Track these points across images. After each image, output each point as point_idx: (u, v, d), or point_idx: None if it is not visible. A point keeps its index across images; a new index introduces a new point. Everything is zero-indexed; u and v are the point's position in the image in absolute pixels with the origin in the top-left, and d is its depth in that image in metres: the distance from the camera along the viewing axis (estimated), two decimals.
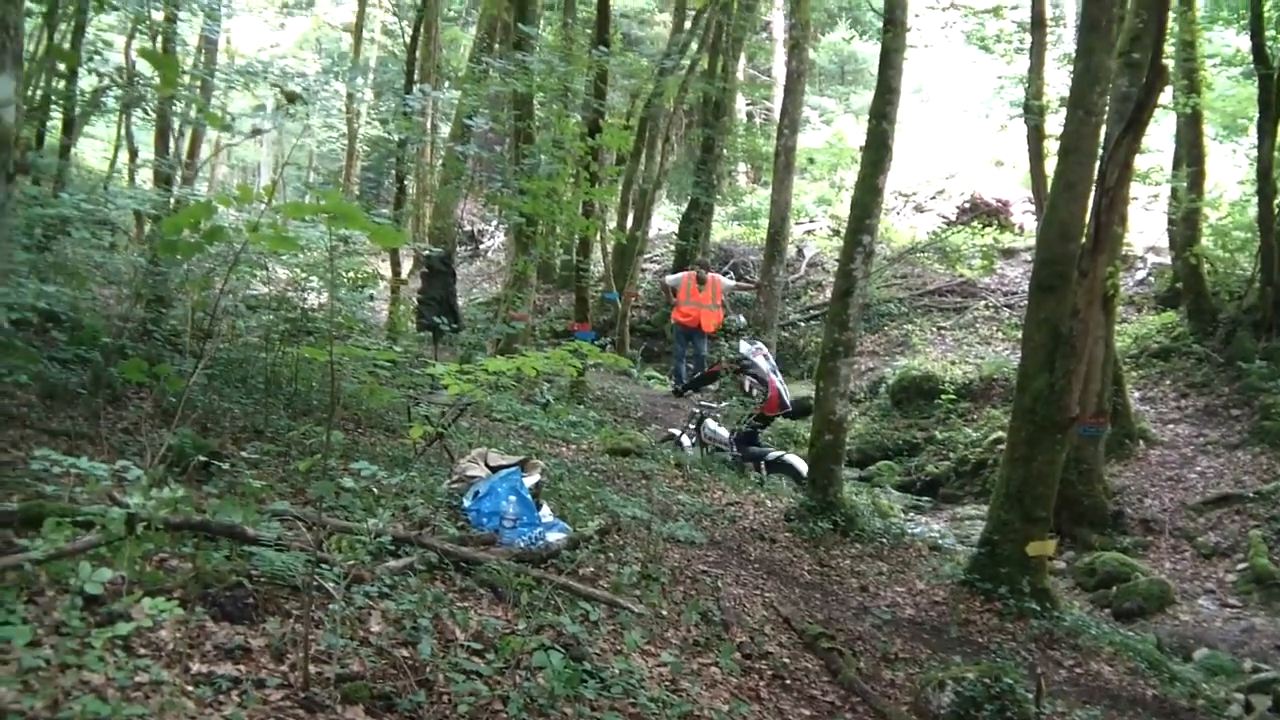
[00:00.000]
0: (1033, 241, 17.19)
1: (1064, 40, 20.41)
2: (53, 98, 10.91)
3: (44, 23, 10.30)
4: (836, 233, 24.94)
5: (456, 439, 9.15)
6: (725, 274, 20.07)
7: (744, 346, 13.04)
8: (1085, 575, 10.80)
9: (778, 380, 12.47)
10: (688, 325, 16.95)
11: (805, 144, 27.40)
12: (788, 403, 12.57)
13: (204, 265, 8.47)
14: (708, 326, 16.91)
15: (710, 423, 12.80)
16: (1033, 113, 14.08)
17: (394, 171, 16.72)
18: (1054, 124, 13.38)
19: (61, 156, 12.47)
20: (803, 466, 11.46)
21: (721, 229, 26.67)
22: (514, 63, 13.64)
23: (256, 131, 9.87)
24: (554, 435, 11.14)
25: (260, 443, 7.46)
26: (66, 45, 11.36)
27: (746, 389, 12.95)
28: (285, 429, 8.04)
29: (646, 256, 24.13)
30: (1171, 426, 14.37)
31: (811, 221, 27.27)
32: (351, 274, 11.06)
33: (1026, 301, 9.50)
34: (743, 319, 16.37)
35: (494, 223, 30.05)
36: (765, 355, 12.93)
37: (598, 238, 18.70)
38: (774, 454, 12.40)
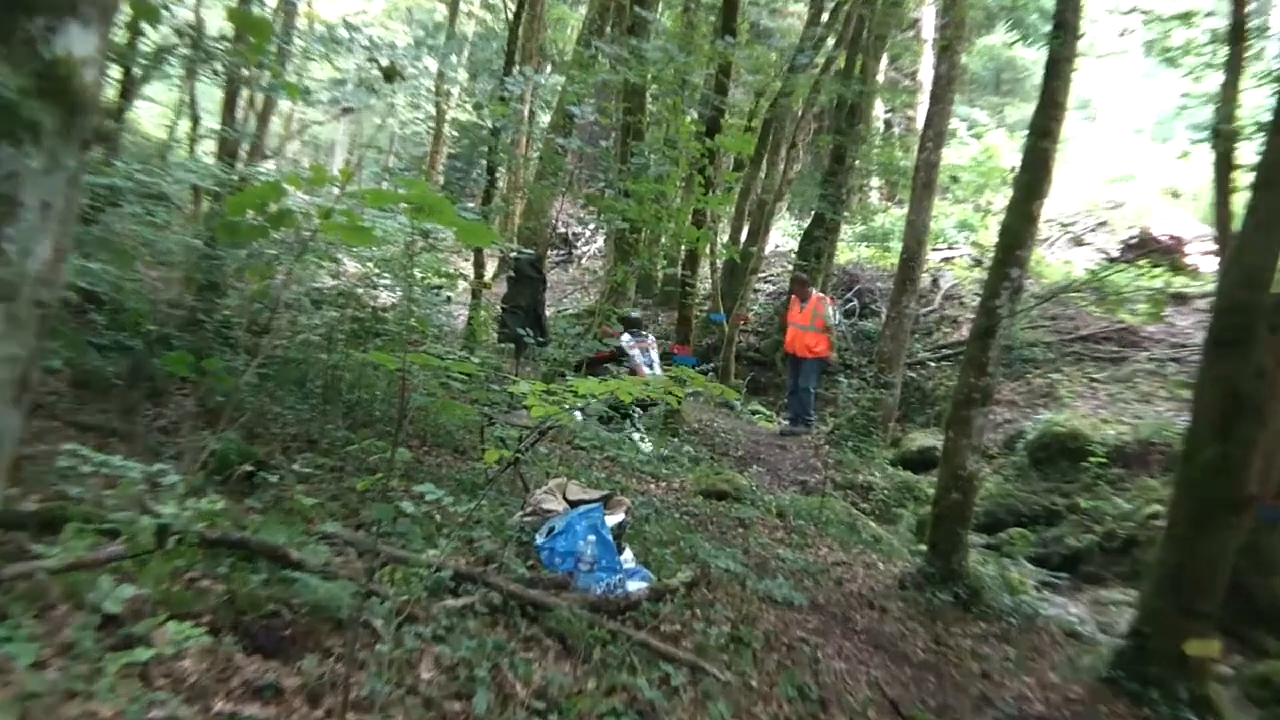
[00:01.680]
0: (1211, 287, 16.75)
1: (1267, 55, 19.90)
2: (111, 54, 11.08)
3: None
4: (979, 263, 24.59)
5: (533, 466, 9.14)
6: (848, 305, 19.84)
7: (625, 338, 14.18)
8: (1257, 686, 10.36)
9: (649, 372, 13.75)
10: (787, 351, 16.82)
11: (950, 159, 27.01)
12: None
13: (266, 252, 8.49)
14: (801, 351, 16.75)
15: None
16: (1222, 138, 13.70)
17: (484, 162, 16.57)
18: (1247, 152, 13.03)
19: (116, 120, 12.68)
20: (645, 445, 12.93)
21: (847, 250, 26.46)
22: (627, 49, 13.59)
23: (347, 110, 9.90)
24: (642, 470, 11.11)
25: (313, 455, 7.54)
26: None
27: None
28: (343, 441, 8.08)
29: (760, 276, 23.91)
30: None
31: (951, 248, 26.89)
32: (431, 274, 11.09)
33: (1199, 356, 9.22)
34: (637, 314, 16.01)
35: (592, 226, 30.18)
36: (647, 349, 14.29)
37: (707, 251, 18.57)
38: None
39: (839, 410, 18.25)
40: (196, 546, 4.44)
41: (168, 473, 4.59)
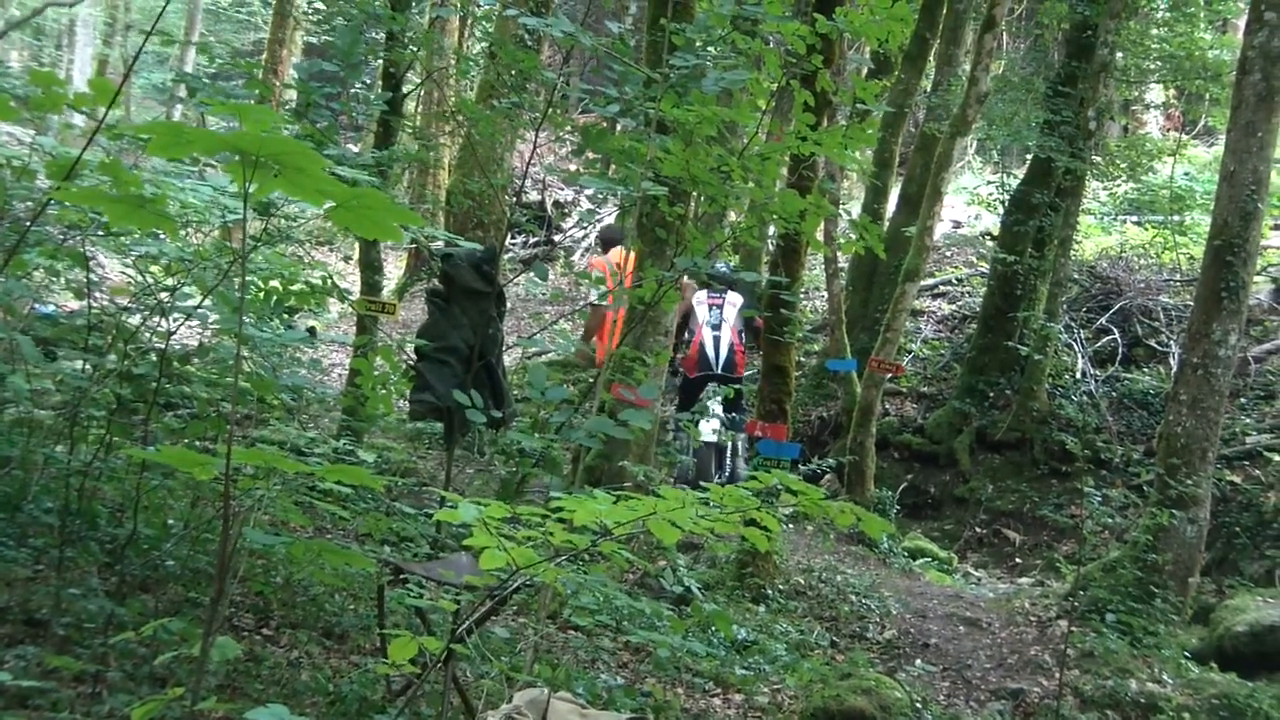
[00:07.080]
0: None
1: None
2: None
3: None
4: None
5: (481, 668, 5.81)
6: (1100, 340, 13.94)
7: (698, 294, 11.48)
8: None
9: (712, 337, 11.31)
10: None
11: None
12: (714, 365, 11.41)
13: None
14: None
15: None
16: None
17: (378, 62, 10.63)
18: None
19: None
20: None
21: (1099, 231, 18.02)
22: None
23: None
24: (697, 669, 7.04)
25: (41, 649, 4.91)
26: None
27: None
28: (99, 620, 5.28)
29: (928, 285, 16.09)
30: None
31: None
32: (280, 289, 7.10)
33: None
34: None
35: (592, 190, 18.98)
36: (722, 305, 11.42)
37: (820, 239, 10.98)
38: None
39: (1085, 550, 10.32)
40: None
41: None
